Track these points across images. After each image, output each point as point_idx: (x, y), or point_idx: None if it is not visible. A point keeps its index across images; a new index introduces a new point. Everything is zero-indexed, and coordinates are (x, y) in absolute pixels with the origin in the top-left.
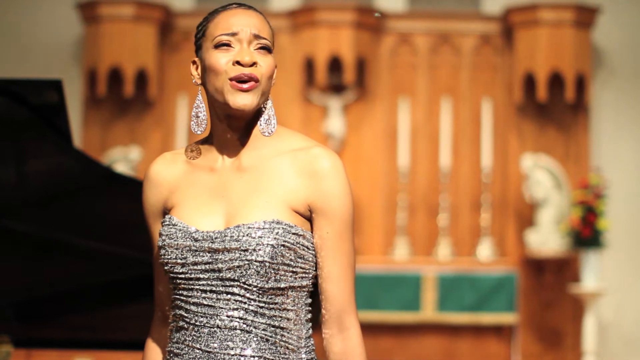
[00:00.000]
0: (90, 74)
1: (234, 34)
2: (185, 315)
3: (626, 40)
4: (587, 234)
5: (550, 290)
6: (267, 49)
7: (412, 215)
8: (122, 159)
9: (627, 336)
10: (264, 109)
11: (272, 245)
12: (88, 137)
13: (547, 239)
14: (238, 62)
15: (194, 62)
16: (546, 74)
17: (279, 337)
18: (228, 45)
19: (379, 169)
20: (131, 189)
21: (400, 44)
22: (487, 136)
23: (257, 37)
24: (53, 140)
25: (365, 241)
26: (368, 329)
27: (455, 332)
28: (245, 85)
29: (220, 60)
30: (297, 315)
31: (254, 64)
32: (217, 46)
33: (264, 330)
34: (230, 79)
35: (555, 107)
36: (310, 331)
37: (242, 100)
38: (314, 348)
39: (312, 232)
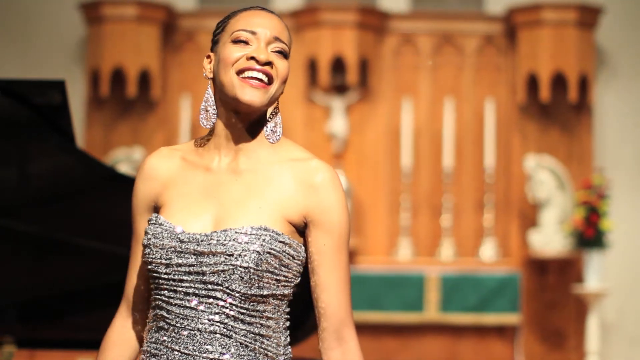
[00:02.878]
0: (93, 75)
1: (253, 33)
2: (166, 316)
3: (629, 41)
4: (590, 235)
5: (553, 290)
6: (283, 54)
7: (415, 215)
8: (125, 160)
9: (630, 336)
10: (271, 116)
11: (257, 251)
12: (91, 137)
13: (550, 239)
14: (253, 58)
15: (208, 57)
16: (549, 74)
17: (258, 344)
18: (246, 42)
19: (382, 170)
20: None
21: (403, 45)
22: (490, 137)
23: (276, 39)
24: (56, 141)
25: (368, 241)
26: (371, 330)
27: (458, 332)
28: (254, 82)
29: (235, 53)
30: (276, 323)
31: (269, 63)
32: (235, 41)
33: (243, 336)
34: (239, 72)
35: (558, 108)
36: (289, 339)
37: (250, 96)
38: (291, 356)
39: (303, 243)
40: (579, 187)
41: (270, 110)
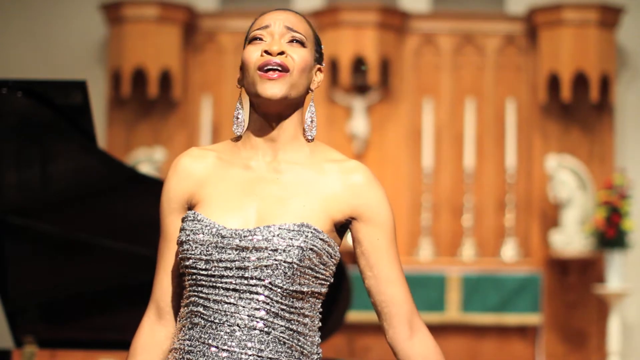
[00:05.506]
0: (114, 75)
1: (266, 27)
2: (204, 312)
3: None
4: (611, 235)
5: (574, 290)
6: (300, 42)
7: (436, 215)
8: (147, 160)
9: None
10: (307, 112)
11: (301, 247)
12: (112, 137)
13: (571, 239)
14: (267, 52)
15: (240, 68)
16: (570, 74)
17: (295, 341)
18: (260, 39)
19: (403, 170)
20: (155, 189)
21: (424, 45)
22: (511, 137)
23: (288, 29)
24: (78, 141)
25: None
26: None
27: (479, 332)
28: (273, 75)
29: (252, 53)
30: (312, 322)
31: (282, 53)
32: (251, 41)
33: (282, 332)
34: (259, 68)
35: (579, 108)
36: (320, 339)
37: (270, 89)
38: (322, 356)
39: (339, 244)
40: (600, 187)
41: (304, 107)
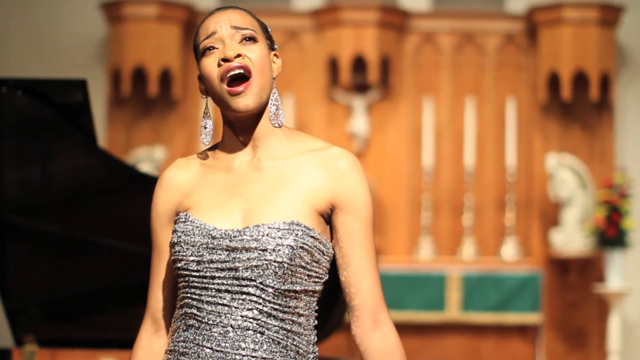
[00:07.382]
0: (114, 74)
1: (213, 34)
2: (197, 313)
3: None
4: (611, 234)
5: (574, 290)
6: (251, 39)
7: (437, 214)
8: (147, 159)
9: None
10: (270, 101)
11: (291, 246)
12: (112, 136)
13: (571, 238)
14: (224, 60)
15: (199, 77)
16: (570, 73)
17: (290, 340)
18: (212, 48)
19: (403, 169)
20: None
21: (424, 43)
22: (512, 135)
23: (236, 28)
24: (78, 140)
25: (389, 241)
26: None
27: (479, 331)
28: (240, 88)
29: (210, 65)
30: (307, 321)
31: (238, 55)
32: (204, 53)
33: (276, 332)
34: (222, 80)
35: (579, 106)
36: (316, 338)
37: (242, 104)
38: (318, 355)
39: (330, 234)
40: (601, 186)
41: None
